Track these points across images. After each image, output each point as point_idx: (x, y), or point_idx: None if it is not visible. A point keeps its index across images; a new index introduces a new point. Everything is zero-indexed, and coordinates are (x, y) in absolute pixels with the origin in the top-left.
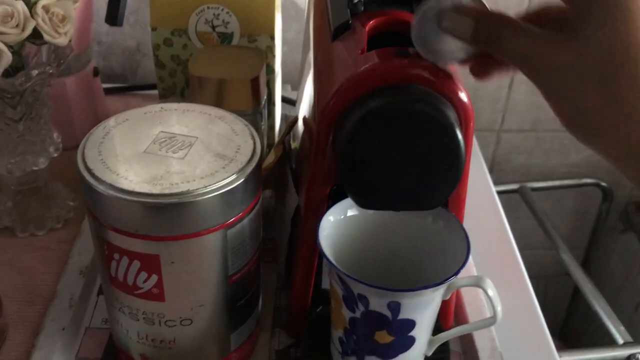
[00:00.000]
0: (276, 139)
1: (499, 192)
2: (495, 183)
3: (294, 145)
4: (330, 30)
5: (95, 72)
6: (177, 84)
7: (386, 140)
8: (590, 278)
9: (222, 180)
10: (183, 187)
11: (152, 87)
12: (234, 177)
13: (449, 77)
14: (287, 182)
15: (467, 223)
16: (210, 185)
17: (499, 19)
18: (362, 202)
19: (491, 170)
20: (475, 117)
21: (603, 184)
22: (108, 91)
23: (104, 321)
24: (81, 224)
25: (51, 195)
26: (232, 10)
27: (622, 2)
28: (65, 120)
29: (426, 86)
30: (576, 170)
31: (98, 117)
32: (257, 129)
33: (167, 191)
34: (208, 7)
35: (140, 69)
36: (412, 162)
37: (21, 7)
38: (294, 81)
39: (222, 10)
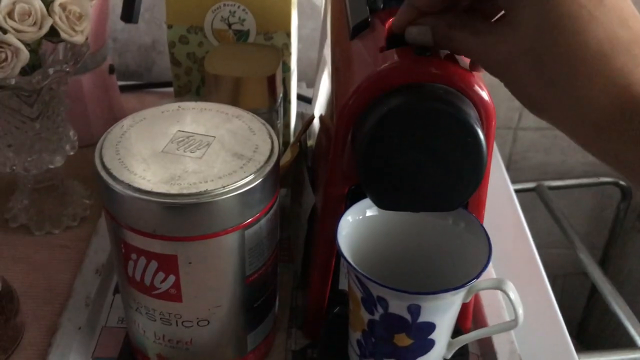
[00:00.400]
0: (292, 136)
1: (516, 191)
2: (512, 181)
3: (310, 143)
4: (349, 28)
5: (111, 69)
6: (193, 81)
7: (406, 139)
8: (608, 278)
9: (240, 181)
10: (201, 187)
11: (168, 84)
12: (251, 177)
13: (469, 75)
14: (304, 181)
15: (485, 222)
16: (228, 185)
17: (448, 22)
18: (381, 203)
19: (508, 169)
20: None
21: (622, 182)
22: (124, 88)
23: (120, 320)
24: (97, 222)
25: (67, 193)
26: (249, 8)
27: None
28: (82, 117)
29: (447, 85)
30: (594, 168)
31: (114, 115)
32: (273, 127)
33: (184, 191)
34: (224, 5)
35: (155, 66)
36: (433, 162)
37: (38, 5)
38: (309, 79)
39: (239, 7)
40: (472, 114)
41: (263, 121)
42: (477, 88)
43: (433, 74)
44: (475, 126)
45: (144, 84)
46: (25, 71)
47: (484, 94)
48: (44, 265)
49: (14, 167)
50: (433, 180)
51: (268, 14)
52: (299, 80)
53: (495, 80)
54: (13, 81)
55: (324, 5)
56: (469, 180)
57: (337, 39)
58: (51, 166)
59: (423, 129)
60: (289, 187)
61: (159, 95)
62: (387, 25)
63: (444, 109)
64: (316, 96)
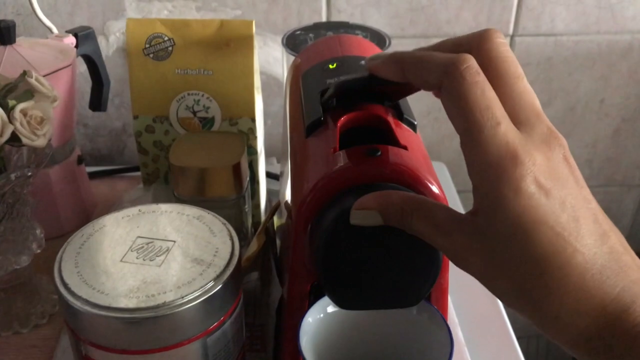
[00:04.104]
0: (262, 216)
1: None
2: None
3: (278, 222)
4: (304, 126)
5: (80, 160)
6: (161, 168)
7: (362, 240)
8: None
9: (199, 289)
10: (159, 299)
11: (137, 169)
12: (211, 284)
13: (419, 172)
14: (271, 270)
15: (453, 284)
16: (186, 295)
17: (402, 207)
18: (342, 303)
19: None
20: (463, 178)
21: None
22: (93, 175)
23: None
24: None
25: (35, 290)
26: (212, 96)
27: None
28: (50, 210)
29: (398, 184)
30: None
31: (84, 205)
32: (241, 212)
33: (143, 305)
34: (188, 94)
35: (127, 149)
36: (390, 261)
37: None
38: (279, 153)
39: (203, 96)
40: None
41: (224, 221)
42: (427, 184)
43: (384, 174)
44: None
45: (113, 170)
46: None
47: (435, 188)
48: None
49: None
50: (392, 278)
51: (232, 101)
52: (269, 156)
53: None
54: None
55: (284, 89)
56: (426, 276)
57: (294, 133)
58: (17, 267)
59: (377, 230)
60: (259, 270)
61: (129, 179)
62: (339, 124)
63: None
64: (283, 174)
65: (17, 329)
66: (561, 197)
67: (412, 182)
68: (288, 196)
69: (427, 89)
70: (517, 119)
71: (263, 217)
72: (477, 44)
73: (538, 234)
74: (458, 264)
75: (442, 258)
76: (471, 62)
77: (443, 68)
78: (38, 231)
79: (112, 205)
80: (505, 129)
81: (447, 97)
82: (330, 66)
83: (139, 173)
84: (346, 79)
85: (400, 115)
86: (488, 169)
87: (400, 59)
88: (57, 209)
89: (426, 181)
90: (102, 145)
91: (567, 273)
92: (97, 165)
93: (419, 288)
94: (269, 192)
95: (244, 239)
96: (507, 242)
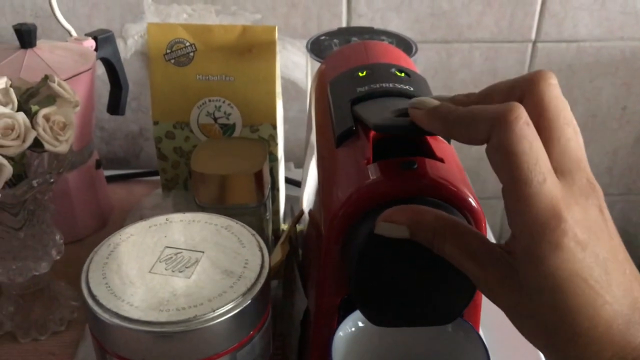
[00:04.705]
0: (281, 223)
1: None
2: None
3: (300, 228)
4: (334, 135)
5: (98, 164)
6: (180, 175)
7: (397, 256)
8: None
9: (230, 303)
10: (190, 313)
11: (156, 173)
12: (242, 297)
13: (456, 185)
14: (295, 279)
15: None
16: (218, 308)
17: (434, 229)
18: (375, 320)
19: (499, 239)
20: (481, 185)
21: None
22: (111, 179)
23: None
24: (85, 326)
25: (54, 296)
26: (234, 102)
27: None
28: (68, 215)
29: (435, 197)
30: None
31: (101, 209)
32: (262, 220)
33: (173, 318)
34: (209, 100)
35: (143, 153)
36: (426, 278)
37: (22, 118)
38: (296, 158)
39: (224, 102)
40: None
41: (253, 231)
42: (464, 197)
43: (421, 188)
44: None
45: (131, 174)
46: (10, 181)
47: (472, 201)
48: None
49: None
50: (427, 296)
51: (253, 107)
52: (287, 161)
53: (482, 152)
54: None
55: (309, 91)
56: (464, 293)
57: (323, 142)
58: (36, 273)
59: (414, 245)
60: (281, 279)
61: (147, 184)
62: (372, 134)
63: None
64: (305, 179)
65: (35, 336)
66: (596, 250)
67: (451, 197)
68: (309, 203)
69: (473, 144)
70: (561, 168)
71: (282, 224)
72: (529, 87)
73: (572, 286)
74: (487, 294)
75: None
76: (519, 112)
77: (490, 122)
78: (57, 237)
79: (129, 210)
80: (550, 184)
81: (494, 150)
82: (360, 74)
83: (156, 177)
84: (386, 124)
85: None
86: (532, 225)
87: (444, 116)
88: (75, 213)
89: (465, 196)
90: (119, 148)
91: (596, 324)
92: (113, 169)
93: (456, 305)
94: (287, 198)
95: None
96: (541, 291)
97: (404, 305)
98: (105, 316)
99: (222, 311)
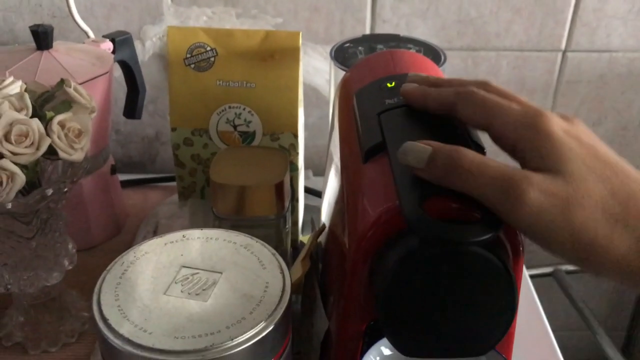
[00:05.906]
0: (300, 234)
1: (532, 276)
2: (528, 266)
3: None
4: (361, 149)
5: (113, 170)
6: (198, 182)
7: (431, 281)
8: None
9: (249, 331)
10: (207, 341)
11: (172, 179)
12: (262, 324)
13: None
14: (315, 298)
15: None
16: (236, 337)
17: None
18: (403, 349)
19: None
20: None
21: None
22: (126, 183)
23: None
24: (96, 339)
25: (65, 307)
26: (255, 110)
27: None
28: (81, 221)
29: (470, 221)
30: None
31: (115, 215)
32: (281, 232)
33: (189, 347)
34: (229, 107)
35: (159, 157)
36: (460, 306)
37: (36, 125)
38: (315, 166)
39: (244, 109)
40: (504, 254)
41: (273, 251)
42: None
43: (458, 210)
44: (508, 268)
45: (147, 179)
46: (24, 189)
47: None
48: None
49: (9, 287)
50: (461, 324)
51: (274, 115)
52: (306, 168)
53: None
54: (9, 205)
55: (332, 98)
56: (499, 322)
57: (348, 157)
58: (47, 283)
59: (450, 271)
60: (301, 294)
61: (163, 189)
62: None
63: (477, 251)
64: (324, 191)
65: (45, 348)
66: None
67: (488, 217)
68: (329, 215)
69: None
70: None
71: (300, 235)
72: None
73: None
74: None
75: (517, 303)
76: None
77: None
78: (70, 246)
79: (144, 217)
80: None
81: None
82: (389, 85)
83: (172, 183)
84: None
85: (468, 140)
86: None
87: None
88: (89, 220)
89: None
90: (134, 152)
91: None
92: (128, 173)
93: (490, 336)
94: (306, 207)
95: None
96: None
97: (436, 334)
98: (117, 342)
99: (240, 340)
